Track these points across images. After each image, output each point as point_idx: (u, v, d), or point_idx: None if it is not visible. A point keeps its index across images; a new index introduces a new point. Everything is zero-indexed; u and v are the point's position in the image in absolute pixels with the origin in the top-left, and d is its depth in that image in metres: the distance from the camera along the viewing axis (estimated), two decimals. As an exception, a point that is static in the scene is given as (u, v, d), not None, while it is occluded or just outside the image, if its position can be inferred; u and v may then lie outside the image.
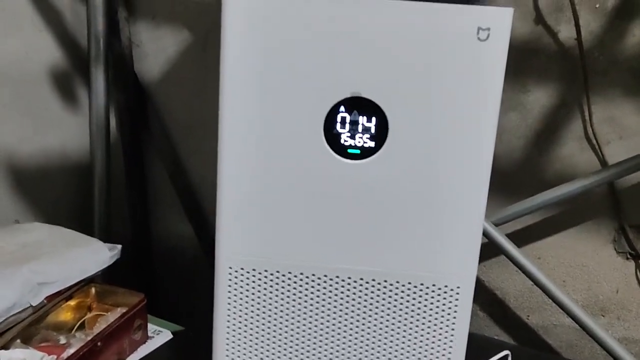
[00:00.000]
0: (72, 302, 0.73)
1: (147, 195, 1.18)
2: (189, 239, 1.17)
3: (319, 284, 0.53)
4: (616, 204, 0.89)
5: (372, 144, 0.50)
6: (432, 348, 0.54)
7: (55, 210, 1.10)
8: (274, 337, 0.55)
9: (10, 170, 1.02)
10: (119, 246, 0.78)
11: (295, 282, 0.53)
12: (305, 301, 0.54)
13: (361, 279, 0.53)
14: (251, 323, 0.55)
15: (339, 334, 0.55)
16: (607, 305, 0.94)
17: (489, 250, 0.94)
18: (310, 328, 0.55)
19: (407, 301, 0.53)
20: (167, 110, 1.12)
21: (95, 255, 0.75)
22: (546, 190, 0.87)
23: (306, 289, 0.54)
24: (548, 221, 0.94)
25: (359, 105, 0.50)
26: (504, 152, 0.93)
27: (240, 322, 0.55)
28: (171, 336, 0.79)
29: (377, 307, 0.54)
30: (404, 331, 0.54)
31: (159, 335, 0.78)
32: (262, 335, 0.55)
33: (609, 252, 0.92)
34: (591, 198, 0.90)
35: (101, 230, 1.07)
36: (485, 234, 0.85)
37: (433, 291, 0.53)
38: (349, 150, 0.51)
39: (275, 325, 0.55)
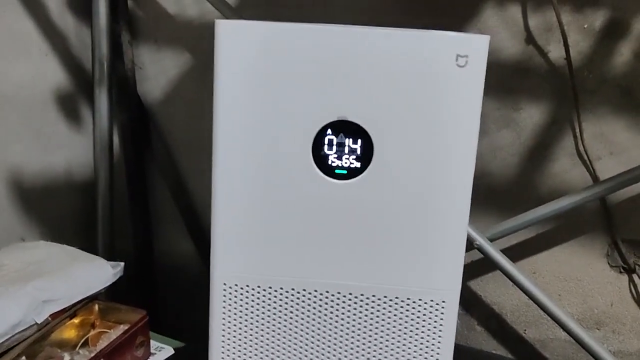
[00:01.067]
0: (75, 320, 0.74)
1: (149, 212, 1.19)
2: (191, 256, 1.18)
3: (309, 299, 0.55)
4: (608, 218, 0.90)
5: (358, 164, 0.52)
6: (419, 361, 0.56)
7: (60, 227, 1.11)
8: (267, 350, 0.57)
9: (17, 189, 1.04)
10: (122, 264, 0.78)
11: (286, 297, 0.55)
12: (297, 315, 0.56)
13: (350, 293, 0.55)
14: (245, 337, 0.57)
15: (328, 346, 0.56)
16: (602, 319, 0.95)
17: (485, 265, 0.95)
18: (301, 341, 0.56)
19: (395, 315, 0.55)
20: (169, 130, 1.14)
21: (98, 272, 0.76)
22: (540, 206, 0.87)
23: (297, 304, 0.55)
24: (542, 236, 0.95)
25: (345, 128, 0.51)
26: (498, 169, 0.95)
27: (234, 337, 0.57)
28: (173, 352, 0.79)
29: (365, 321, 0.55)
30: (392, 344, 0.55)
31: (161, 351, 0.79)
32: (256, 349, 0.57)
33: (602, 266, 0.93)
34: (584, 213, 0.91)
35: (104, 247, 1.07)
36: (480, 249, 0.86)
37: (419, 305, 0.54)
38: (337, 171, 0.52)
39: (268, 339, 0.56)
